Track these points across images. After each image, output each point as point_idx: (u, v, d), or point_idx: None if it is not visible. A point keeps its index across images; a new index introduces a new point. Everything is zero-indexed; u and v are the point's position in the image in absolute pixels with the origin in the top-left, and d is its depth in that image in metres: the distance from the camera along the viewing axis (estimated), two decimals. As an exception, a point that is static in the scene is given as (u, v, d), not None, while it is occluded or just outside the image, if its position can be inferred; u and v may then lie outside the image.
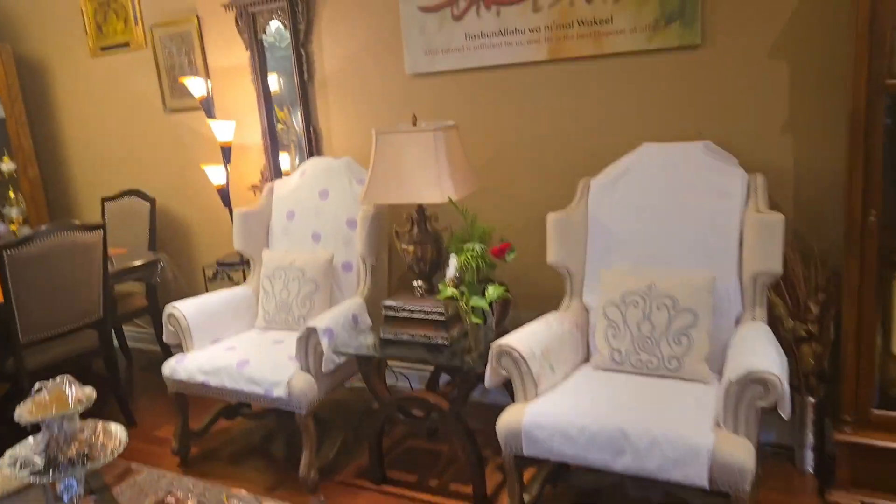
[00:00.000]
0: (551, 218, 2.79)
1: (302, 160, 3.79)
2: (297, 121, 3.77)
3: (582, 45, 2.99)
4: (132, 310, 4.19)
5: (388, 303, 2.86)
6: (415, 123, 2.93)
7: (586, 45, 2.99)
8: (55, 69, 4.78)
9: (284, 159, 3.98)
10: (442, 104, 3.37)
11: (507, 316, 2.93)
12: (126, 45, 4.33)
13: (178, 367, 3.11)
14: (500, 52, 3.16)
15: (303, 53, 3.67)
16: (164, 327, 3.27)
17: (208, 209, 4.19)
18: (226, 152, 3.81)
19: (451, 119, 3.21)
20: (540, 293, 3.16)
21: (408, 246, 3.00)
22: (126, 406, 3.63)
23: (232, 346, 3.18)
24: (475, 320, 2.80)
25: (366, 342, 2.91)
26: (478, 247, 2.78)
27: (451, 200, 2.77)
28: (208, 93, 3.80)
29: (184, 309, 3.22)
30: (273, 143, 3.90)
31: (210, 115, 3.82)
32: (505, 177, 3.29)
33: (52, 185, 5.04)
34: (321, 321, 2.89)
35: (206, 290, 4.02)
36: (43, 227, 3.26)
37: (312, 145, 3.77)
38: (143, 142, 4.48)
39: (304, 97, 3.72)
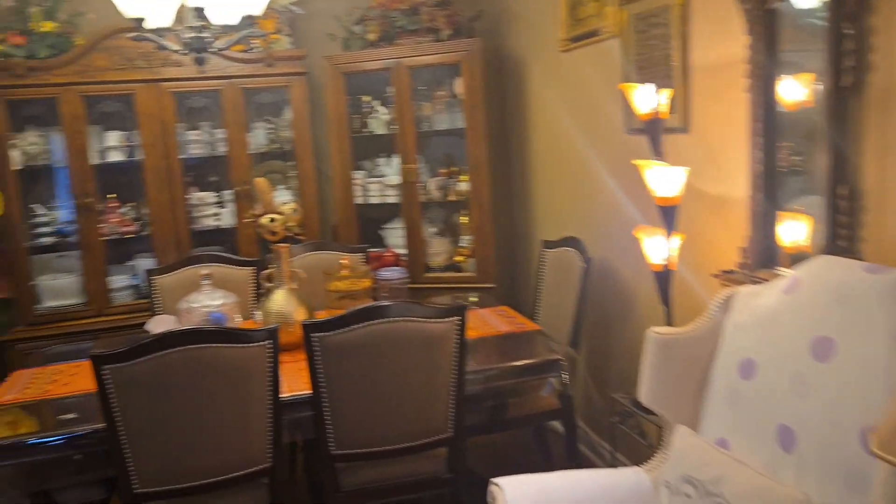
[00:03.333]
0: None
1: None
2: (820, 162, 1.88)
3: None
4: (536, 411, 2.93)
5: None
6: None
7: None
8: (528, 71, 3.82)
9: (798, 230, 2.11)
10: None
11: None
12: (595, 33, 3.02)
13: None
14: None
15: (845, 35, 1.76)
16: (489, 506, 1.95)
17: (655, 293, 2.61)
18: (667, 215, 2.17)
19: None
20: None
21: None
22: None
23: None
24: None
25: None
26: None
27: None
28: (658, 110, 2.19)
29: (510, 492, 1.83)
30: (769, 202, 2.09)
31: (655, 147, 2.22)
32: None
33: (500, 213, 4.10)
34: None
35: (610, 431, 2.50)
36: (385, 303, 2.29)
37: (838, 221, 1.84)
38: (596, 172, 3.14)
39: (837, 119, 1.81)
